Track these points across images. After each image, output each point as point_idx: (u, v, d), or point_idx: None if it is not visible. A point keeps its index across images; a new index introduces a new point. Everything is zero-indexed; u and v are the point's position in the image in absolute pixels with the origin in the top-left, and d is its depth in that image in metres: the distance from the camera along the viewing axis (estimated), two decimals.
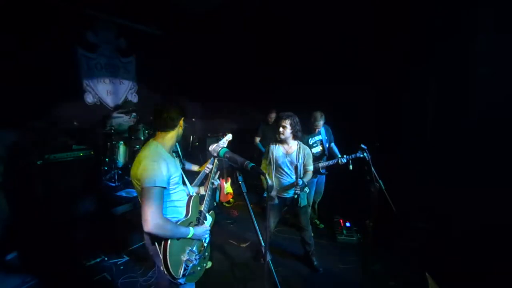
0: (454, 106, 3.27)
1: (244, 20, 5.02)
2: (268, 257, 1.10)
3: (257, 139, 4.40)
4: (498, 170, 2.76)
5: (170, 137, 1.54)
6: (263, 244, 1.13)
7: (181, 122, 1.58)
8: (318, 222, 3.86)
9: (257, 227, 1.16)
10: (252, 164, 1.19)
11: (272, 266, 1.10)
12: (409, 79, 3.76)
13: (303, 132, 3.42)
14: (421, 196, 3.38)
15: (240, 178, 1.26)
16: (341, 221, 3.75)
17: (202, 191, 1.83)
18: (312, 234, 2.95)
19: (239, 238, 3.42)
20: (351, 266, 2.90)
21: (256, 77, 5.40)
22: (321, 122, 3.36)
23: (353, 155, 3.14)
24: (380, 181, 2.30)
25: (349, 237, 3.43)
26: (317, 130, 3.42)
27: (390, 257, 3.01)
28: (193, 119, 5.18)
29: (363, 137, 3.09)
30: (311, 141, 3.45)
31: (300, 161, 2.59)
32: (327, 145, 3.48)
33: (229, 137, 2.19)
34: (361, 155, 3.02)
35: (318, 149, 3.44)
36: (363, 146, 3.01)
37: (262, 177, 2.21)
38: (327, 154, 3.49)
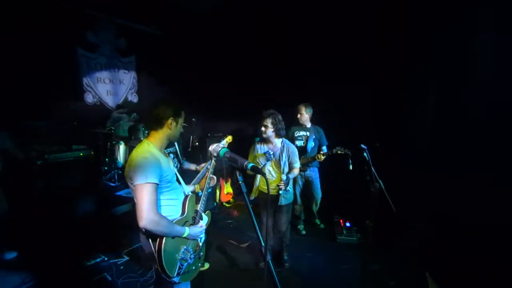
0: (454, 106, 3.27)
1: (244, 20, 5.03)
2: (268, 257, 1.10)
3: (256, 140, 4.40)
4: (498, 170, 2.76)
5: (161, 136, 1.53)
6: (263, 244, 1.13)
7: (170, 121, 1.52)
8: (319, 222, 3.85)
9: (257, 227, 1.15)
10: (252, 164, 1.19)
11: (272, 266, 1.10)
12: (409, 79, 3.76)
13: (294, 124, 3.46)
14: (421, 196, 3.38)
15: (240, 178, 1.25)
16: (341, 221, 3.75)
17: (198, 189, 1.83)
18: (289, 236, 2.94)
19: (239, 238, 3.42)
20: (351, 266, 2.90)
21: (256, 77, 5.40)
22: (303, 113, 3.37)
23: (333, 151, 3.16)
24: (380, 181, 2.30)
25: (349, 237, 3.43)
26: (302, 119, 3.41)
27: (390, 257, 3.01)
28: (193, 119, 5.18)
29: (363, 137, 3.10)
30: (296, 134, 3.47)
31: (283, 159, 2.56)
32: (311, 144, 3.43)
33: (228, 139, 2.21)
34: (339, 152, 3.09)
35: (300, 143, 3.43)
36: (363, 146, 3.01)
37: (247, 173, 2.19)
38: (308, 151, 3.43)
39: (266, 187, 2.64)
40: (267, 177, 2.60)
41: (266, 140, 2.63)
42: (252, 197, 2.73)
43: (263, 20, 4.90)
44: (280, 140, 2.63)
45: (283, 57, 5.02)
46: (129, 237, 3.10)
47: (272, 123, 2.50)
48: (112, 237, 3.07)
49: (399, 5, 3.64)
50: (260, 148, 2.66)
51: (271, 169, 2.63)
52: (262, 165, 2.60)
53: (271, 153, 2.56)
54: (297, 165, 2.63)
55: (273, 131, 2.53)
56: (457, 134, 3.18)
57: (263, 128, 2.54)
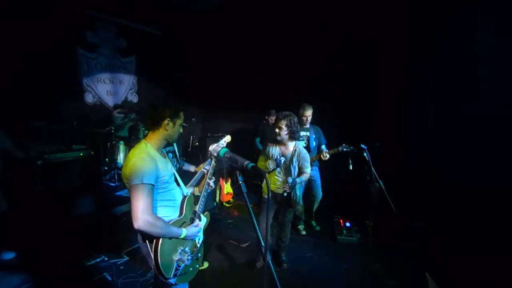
0: (454, 106, 3.27)
1: (244, 20, 5.03)
2: (268, 257, 1.10)
3: (257, 140, 4.40)
4: (498, 170, 2.76)
5: (158, 136, 1.53)
6: (263, 244, 1.13)
7: (167, 122, 1.51)
8: (314, 224, 3.83)
9: (257, 227, 1.16)
10: (252, 164, 1.19)
11: (272, 266, 1.10)
12: (409, 79, 3.76)
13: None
14: (421, 196, 3.38)
15: (240, 178, 1.25)
16: (341, 221, 3.74)
17: (197, 191, 1.82)
18: (289, 236, 2.90)
19: (239, 238, 3.42)
20: (351, 266, 2.90)
21: (256, 77, 5.40)
22: (308, 113, 3.34)
23: (339, 148, 3.17)
24: (380, 181, 2.30)
25: (349, 237, 3.43)
26: (306, 121, 3.39)
27: (390, 257, 3.01)
28: (193, 119, 5.18)
29: (363, 137, 3.10)
30: None
31: (294, 163, 2.52)
32: (313, 144, 3.42)
33: (227, 138, 2.20)
34: (345, 149, 3.11)
35: (302, 143, 3.39)
36: (363, 146, 3.01)
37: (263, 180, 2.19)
38: (311, 151, 3.40)
39: (273, 186, 2.61)
40: (279, 179, 2.59)
41: (278, 142, 2.56)
42: (265, 196, 2.68)
43: (263, 19, 4.91)
44: (293, 143, 2.56)
45: (284, 57, 5.03)
46: (129, 237, 3.10)
47: (287, 125, 2.44)
48: (112, 237, 3.07)
49: (400, 4, 3.65)
50: (272, 149, 2.59)
51: (281, 172, 2.58)
52: (271, 169, 2.57)
53: (282, 159, 2.51)
54: (307, 170, 2.57)
55: (287, 134, 2.47)
56: (457, 134, 3.19)
57: (277, 130, 2.47)
